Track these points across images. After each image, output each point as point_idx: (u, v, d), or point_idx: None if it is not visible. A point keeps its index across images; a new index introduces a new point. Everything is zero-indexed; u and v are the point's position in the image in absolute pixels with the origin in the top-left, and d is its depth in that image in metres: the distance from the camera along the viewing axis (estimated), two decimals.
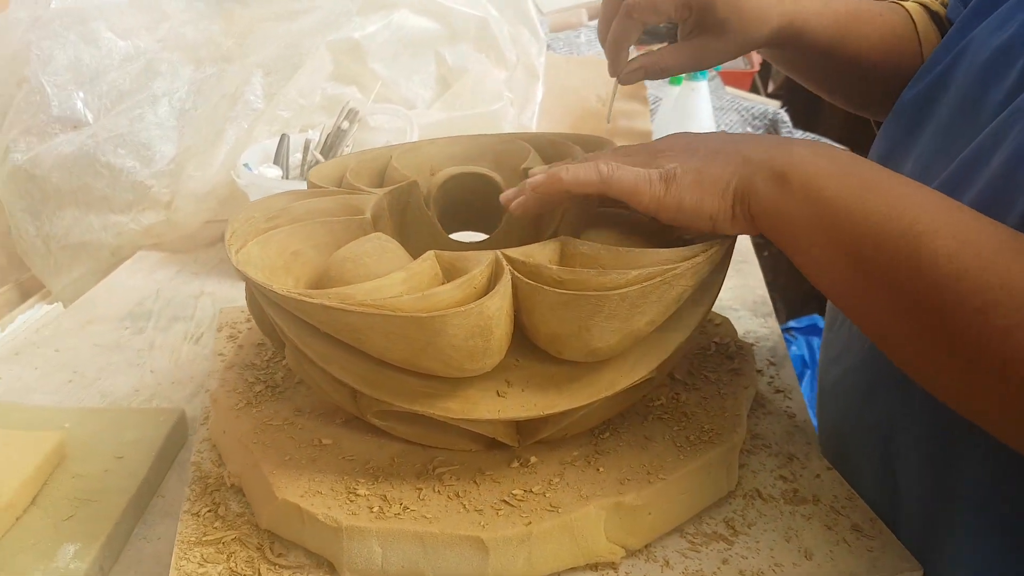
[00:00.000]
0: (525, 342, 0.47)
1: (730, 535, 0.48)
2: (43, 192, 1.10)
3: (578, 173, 0.46)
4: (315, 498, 0.46)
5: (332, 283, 0.47)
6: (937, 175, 0.49)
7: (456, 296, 0.42)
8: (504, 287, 0.42)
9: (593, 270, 0.43)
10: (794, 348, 1.55)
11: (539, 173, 0.48)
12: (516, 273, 0.43)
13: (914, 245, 0.36)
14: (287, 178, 0.99)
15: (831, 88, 0.70)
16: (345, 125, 0.97)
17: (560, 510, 0.45)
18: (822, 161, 0.41)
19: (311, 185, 0.61)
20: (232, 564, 0.46)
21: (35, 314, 0.91)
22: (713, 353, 0.62)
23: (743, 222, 0.43)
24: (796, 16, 0.60)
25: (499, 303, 0.42)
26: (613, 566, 0.46)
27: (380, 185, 0.64)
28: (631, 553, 0.46)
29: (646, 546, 0.47)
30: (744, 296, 0.92)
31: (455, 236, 0.68)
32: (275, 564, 0.46)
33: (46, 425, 0.67)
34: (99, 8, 1.13)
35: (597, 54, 1.57)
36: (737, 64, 1.90)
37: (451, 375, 0.44)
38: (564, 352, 0.45)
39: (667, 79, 1.53)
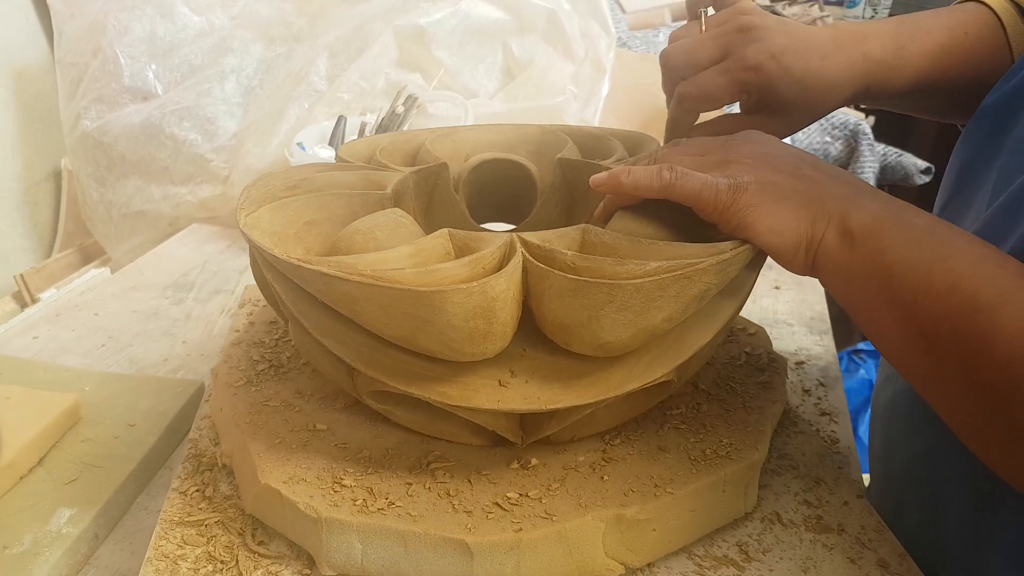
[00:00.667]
0: (535, 332, 0.43)
1: (742, 560, 0.44)
2: (109, 159, 1.12)
3: (639, 178, 0.44)
4: (298, 485, 0.44)
5: (340, 254, 0.44)
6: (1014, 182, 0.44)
7: (462, 274, 0.39)
8: (513, 268, 0.39)
9: (610, 259, 0.40)
10: (862, 372, 1.46)
11: (603, 172, 0.47)
12: (528, 256, 0.40)
13: (973, 323, 0.34)
14: None
15: (926, 114, 0.64)
16: (400, 109, 0.95)
17: (555, 518, 0.42)
18: (892, 224, 0.39)
19: (339, 159, 0.59)
20: (211, 548, 0.44)
21: (85, 278, 0.93)
22: (743, 364, 0.58)
23: (803, 265, 0.41)
24: (871, 81, 0.55)
25: (505, 284, 0.39)
26: None
27: (412, 165, 0.62)
28: (631, 572, 0.43)
29: (648, 565, 0.43)
30: (801, 311, 0.86)
31: (487, 226, 0.65)
32: (254, 552, 0.44)
33: (66, 386, 0.67)
34: None
35: None
36: None
37: (450, 358, 0.41)
38: (572, 344, 0.41)
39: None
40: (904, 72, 0.55)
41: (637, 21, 1.58)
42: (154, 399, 0.66)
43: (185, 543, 0.44)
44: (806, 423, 0.57)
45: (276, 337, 0.58)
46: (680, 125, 0.58)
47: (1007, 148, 0.51)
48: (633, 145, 0.62)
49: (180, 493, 0.48)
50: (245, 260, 0.98)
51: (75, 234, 1.31)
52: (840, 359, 0.87)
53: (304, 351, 0.48)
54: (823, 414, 0.65)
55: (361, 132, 1.01)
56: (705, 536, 0.45)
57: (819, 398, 0.68)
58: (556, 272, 0.39)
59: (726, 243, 0.41)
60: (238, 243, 1.04)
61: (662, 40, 1.53)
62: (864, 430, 1.40)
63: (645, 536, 0.43)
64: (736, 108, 0.59)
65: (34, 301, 1.06)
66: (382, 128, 0.96)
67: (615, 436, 0.48)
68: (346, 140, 1.01)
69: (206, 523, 0.45)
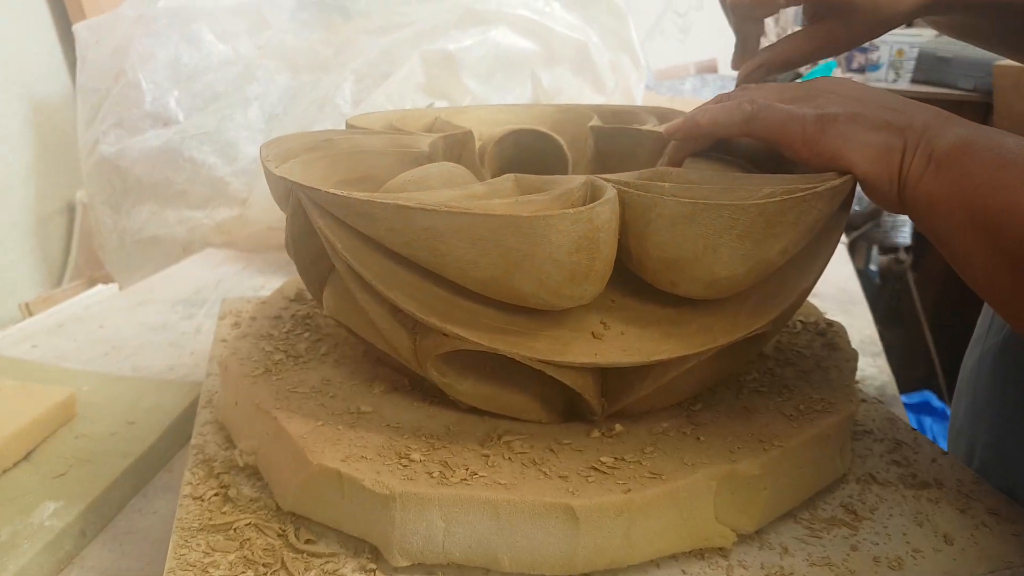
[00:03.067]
0: (621, 279, 0.38)
1: (852, 520, 0.40)
2: (125, 184, 1.09)
3: (718, 114, 0.40)
4: (360, 463, 0.37)
5: None
6: None
7: (554, 208, 0.34)
8: (612, 196, 0.34)
9: (716, 187, 0.35)
10: None
11: (676, 119, 0.44)
12: (623, 187, 0.35)
13: None
14: None
15: (999, 41, 0.59)
16: None
17: (663, 477, 0.36)
18: (979, 147, 0.36)
19: (351, 127, 0.54)
20: (247, 553, 0.37)
21: (90, 293, 0.88)
22: (800, 331, 0.53)
23: (895, 199, 0.38)
24: None
25: (609, 213, 0.34)
26: (723, 552, 0.37)
27: None
28: (742, 538, 0.37)
29: (758, 532, 0.38)
30: (851, 335, 0.80)
31: None
32: (302, 552, 0.37)
33: (64, 384, 0.61)
34: (203, 11, 1.13)
35: (701, 99, 1.50)
36: None
37: (545, 302, 0.35)
38: (680, 282, 0.36)
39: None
40: None
41: (663, 72, 1.57)
42: (156, 399, 0.60)
43: (213, 550, 0.37)
44: (866, 395, 0.53)
45: (285, 331, 0.52)
46: (746, 41, 0.53)
47: None
48: (662, 117, 0.58)
49: (195, 499, 0.41)
50: (261, 280, 0.93)
51: (85, 267, 1.27)
52: None
53: (349, 319, 0.42)
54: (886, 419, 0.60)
55: None
56: (807, 500, 0.41)
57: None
58: (667, 197, 0.34)
59: (827, 173, 0.38)
60: (254, 265, 0.99)
61: (688, 87, 1.51)
62: None
63: (757, 496, 0.37)
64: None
65: None
66: None
67: (695, 403, 0.43)
68: None
69: (235, 526, 0.38)
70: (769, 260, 0.35)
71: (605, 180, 0.37)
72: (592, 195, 0.36)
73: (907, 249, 1.45)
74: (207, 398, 0.51)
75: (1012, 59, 0.61)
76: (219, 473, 0.43)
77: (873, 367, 0.75)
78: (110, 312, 0.83)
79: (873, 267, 1.42)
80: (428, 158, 0.47)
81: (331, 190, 0.35)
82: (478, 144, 0.55)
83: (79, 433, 0.55)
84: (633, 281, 0.38)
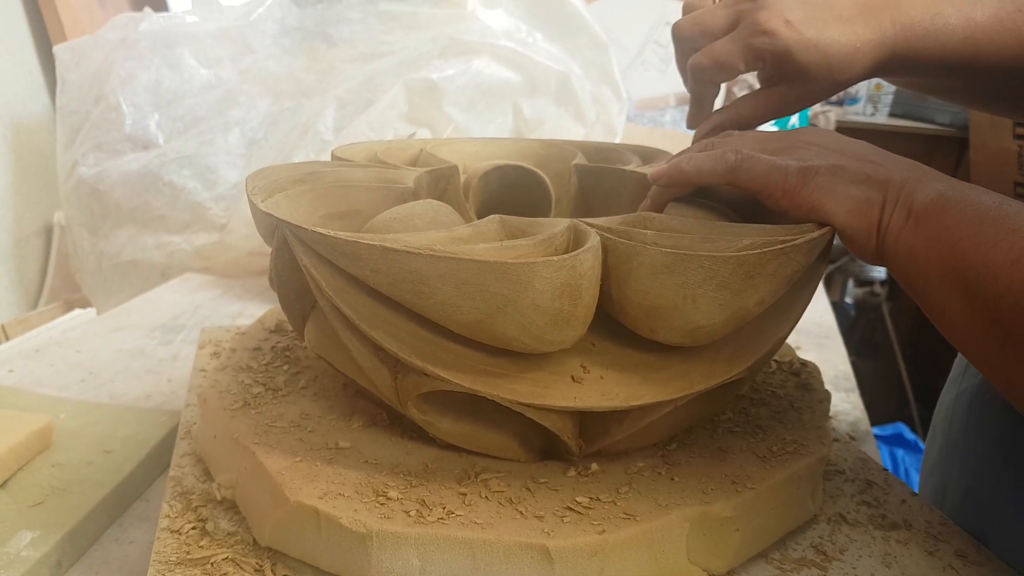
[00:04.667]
0: (602, 322, 0.39)
1: (822, 561, 0.40)
2: (104, 208, 1.09)
3: (702, 164, 0.41)
4: (337, 500, 0.37)
5: None
6: None
7: (537, 253, 0.35)
8: (594, 243, 0.35)
9: (696, 236, 0.36)
10: None
11: (660, 165, 0.45)
12: (605, 234, 0.36)
13: None
14: None
15: (964, 99, 0.61)
16: None
17: (637, 518, 0.36)
18: (957, 202, 0.37)
19: (336, 159, 0.55)
20: None
21: (67, 318, 0.87)
22: (775, 371, 0.55)
23: (873, 251, 0.39)
24: (901, 48, 0.51)
25: (591, 261, 0.35)
26: None
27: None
28: None
29: (729, 572, 0.39)
30: (825, 370, 0.82)
31: None
32: None
33: (40, 410, 0.61)
34: (186, 35, 1.14)
35: (683, 132, 1.52)
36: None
37: (527, 346, 0.36)
38: (659, 330, 0.37)
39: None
40: (941, 40, 0.50)
41: (643, 103, 1.60)
42: (133, 428, 0.60)
43: None
44: (839, 432, 0.54)
45: (264, 363, 0.52)
46: (703, 101, 0.54)
47: None
48: (645, 157, 0.59)
49: (172, 532, 0.40)
50: (239, 307, 0.93)
51: (62, 290, 1.26)
52: None
53: (330, 355, 0.42)
54: (852, 439, 0.61)
55: None
56: (778, 540, 0.41)
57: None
58: (648, 247, 0.35)
59: (806, 225, 0.39)
60: (232, 291, 0.99)
61: (668, 119, 1.54)
62: None
63: (729, 537, 0.38)
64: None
65: None
66: None
67: (670, 443, 0.43)
68: None
69: (212, 560, 0.38)
70: (747, 310, 0.36)
71: (589, 225, 0.38)
72: (576, 240, 0.37)
73: (882, 283, 1.47)
74: (185, 428, 0.51)
75: (977, 110, 0.63)
76: (197, 506, 0.43)
77: (846, 403, 0.76)
78: (87, 337, 0.82)
79: (848, 299, 1.44)
80: (413, 194, 0.48)
81: (318, 229, 0.35)
82: (463, 178, 0.55)
83: (55, 462, 0.55)
84: (613, 324, 0.39)
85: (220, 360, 0.52)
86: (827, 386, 0.79)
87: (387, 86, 1.07)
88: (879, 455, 0.69)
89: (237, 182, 1.06)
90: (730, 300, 0.35)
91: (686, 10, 0.54)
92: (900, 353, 1.70)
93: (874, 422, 1.66)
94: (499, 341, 0.36)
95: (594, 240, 0.35)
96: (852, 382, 0.81)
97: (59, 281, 1.28)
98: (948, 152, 2.17)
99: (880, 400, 1.91)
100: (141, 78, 1.11)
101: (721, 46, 0.50)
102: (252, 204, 0.40)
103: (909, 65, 0.53)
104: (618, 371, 0.38)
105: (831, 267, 1.34)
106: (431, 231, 0.38)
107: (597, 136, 1.15)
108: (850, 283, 1.40)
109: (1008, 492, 0.45)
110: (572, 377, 0.37)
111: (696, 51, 0.51)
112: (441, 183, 0.53)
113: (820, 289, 1.12)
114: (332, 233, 0.35)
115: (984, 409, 0.49)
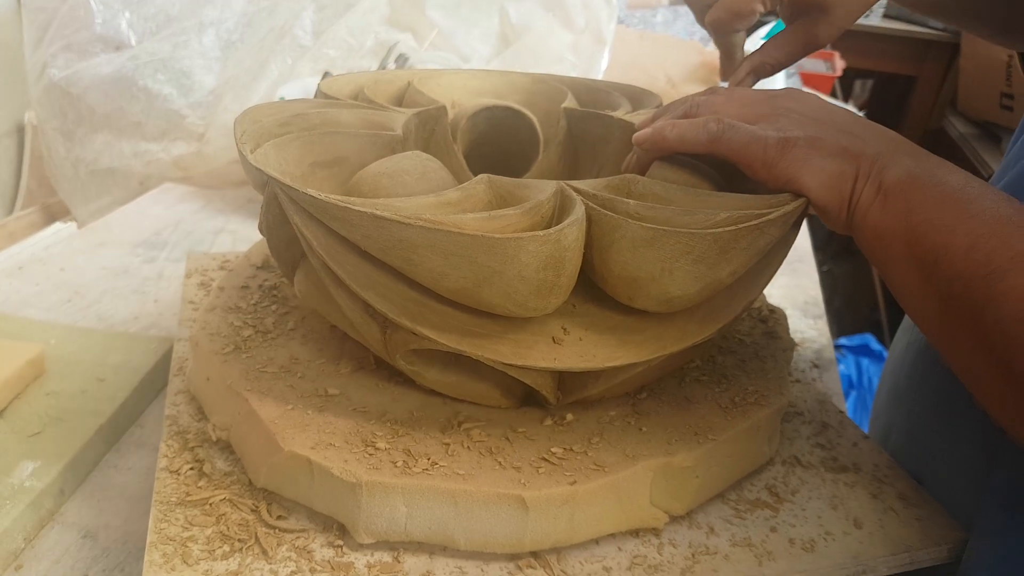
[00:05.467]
0: (583, 284, 0.40)
1: (774, 502, 0.44)
2: (77, 112, 1.06)
3: (685, 132, 0.42)
4: (328, 451, 0.39)
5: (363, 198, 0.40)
6: None
7: (524, 222, 0.36)
8: (579, 215, 0.36)
9: (677, 208, 0.37)
10: (842, 367, 1.45)
11: (645, 127, 0.45)
12: (591, 204, 0.37)
13: (984, 285, 0.34)
14: None
15: (971, 24, 0.61)
16: (392, 66, 0.90)
17: (607, 469, 0.39)
18: (924, 182, 0.38)
19: (321, 94, 0.54)
20: (222, 528, 0.39)
21: (48, 232, 0.87)
22: (744, 317, 0.56)
23: (844, 223, 0.40)
24: None
25: (576, 234, 0.36)
26: (656, 532, 0.41)
27: (399, 106, 0.58)
28: (674, 519, 0.41)
29: (689, 512, 0.42)
30: (795, 296, 0.85)
31: None
32: (274, 528, 0.39)
33: (30, 337, 0.62)
34: None
35: (672, 34, 1.49)
36: (818, 67, 1.79)
37: (511, 312, 0.37)
38: (637, 298, 0.38)
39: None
40: None
41: (635, 3, 1.55)
42: (124, 355, 0.61)
43: (191, 524, 0.39)
44: (801, 372, 0.58)
45: (253, 303, 0.53)
46: (731, 52, 0.56)
47: None
48: (633, 98, 0.59)
49: (171, 472, 0.43)
50: (221, 221, 0.93)
51: (38, 193, 1.24)
52: None
53: (320, 306, 0.44)
54: (814, 366, 0.67)
55: None
56: (735, 483, 0.45)
57: (813, 379, 0.67)
58: (631, 221, 0.36)
59: (783, 195, 0.39)
60: (213, 204, 0.98)
61: (659, 20, 1.50)
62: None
63: (689, 483, 0.41)
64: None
65: None
66: None
67: (640, 391, 0.46)
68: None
69: (211, 501, 0.41)
70: (720, 280, 0.38)
71: (575, 190, 0.38)
72: (561, 207, 0.38)
73: None
74: (178, 365, 0.53)
75: (973, 33, 0.63)
76: (193, 447, 0.45)
77: (813, 329, 0.79)
78: (70, 253, 0.82)
79: None
80: (401, 141, 0.48)
81: (309, 191, 0.36)
82: (451, 115, 0.55)
83: (49, 390, 0.57)
84: (594, 287, 0.40)
85: (209, 299, 0.53)
86: (795, 312, 0.82)
87: None
88: (839, 384, 0.72)
89: (213, 87, 1.04)
90: (705, 273, 0.37)
91: None
92: None
93: (847, 325, 1.71)
94: (484, 306, 0.37)
95: (579, 211, 0.36)
96: (821, 308, 0.83)
97: (34, 183, 1.26)
98: (939, 57, 2.14)
99: (853, 304, 1.96)
100: None
101: None
102: (242, 156, 0.40)
103: None
104: (597, 333, 0.39)
105: None
106: (420, 195, 0.38)
107: (586, 44, 1.13)
108: None
109: (943, 444, 0.48)
110: (553, 338, 0.39)
111: (710, 7, 0.51)
112: (429, 124, 0.53)
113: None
114: (324, 196, 0.35)
115: (929, 365, 0.52)
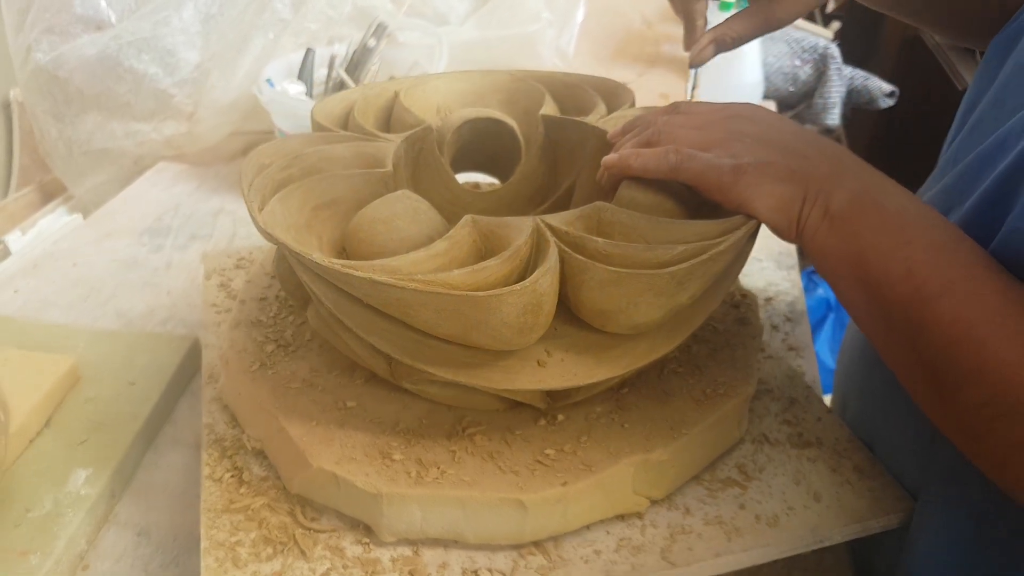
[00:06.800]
0: (563, 309, 0.45)
1: (743, 480, 0.49)
2: (66, 94, 1.08)
3: (648, 161, 0.46)
4: (351, 465, 0.45)
5: (363, 245, 0.45)
6: (980, 139, 0.47)
7: (504, 270, 0.40)
8: (553, 263, 0.41)
9: (640, 245, 0.41)
10: (820, 291, 1.51)
11: (615, 138, 0.51)
12: (563, 246, 0.42)
13: (920, 311, 0.37)
14: (310, 95, 0.95)
15: (931, 17, 0.64)
16: (372, 43, 0.93)
17: (593, 468, 0.45)
18: (866, 206, 0.41)
19: (316, 125, 0.58)
20: (265, 531, 0.45)
21: (55, 222, 0.91)
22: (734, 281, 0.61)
23: (792, 240, 0.44)
24: None
25: (550, 280, 0.40)
26: (639, 515, 0.47)
27: (387, 123, 0.62)
28: (655, 502, 0.47)
29: (668, 495, 0.48)
30: (770, 246, 0.89)
31: (466, 176, 0.66)
32: (309, 529, 0.46)
33: (60, 345, 0.67)
34: None
35: None
36: None
37: (498, 348, 0.43)
38: (607, 325, 0.44)
39: (716, 3, 1.45)
40: None
41: None
42: (150, 356, 0.67)
43: (237, 529, 0.45)
44: (773, 348, 0.63)
45: (272, 315, 0.58)
46: (692, 22, 0.61)
47: (987, 98, 0.52)
48: (607, 94, 0.62)
49: (215, 481, 0.48)
50: (217, 202, 0.97)
51: (32, 169, 1.27)
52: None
53: (331, 337, 0.49)
54: (790, 349, 0.70)
55: (331, 65, 0.98)
56: (709, 463, 0.50)
57: (786, 333, 0.72)
58: (597, 264, 0.40)
59: (735, 218, 0.44)
60: (207, 183, 1.02)
61: None
62: (821, 345, 1.47)
63: (666, 472, 0.47)
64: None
65: None
66: (353, 63, 0.94)
67: (623, 386, 0.51)
68: (315, 73, 0.99)
69: (252, 508, 0.47)
70: (681, 304, 0.43)
71: (550, 229, 0.43)
72: (538, 247, 0.42)
73: (833, 129, 1.52)
74: (208, 372, 0.58)
75: (935, 33, 0.66)
76: (231, 454, 0.51)
77: (787, 281, 0.83)
78: (80, 247, 0.87)
79: None
80: (392, 176, 0.52)
81: (314, 258, 0.40)
82: (437, 129, 0.59)
83: (87, 396, 0.62)
84: (572, 311, 0.45)
85: (232, 314, 0.58)
86: (770, 263, 0.87)
87: None
88: (810, 336, 0.77)
89: (198, 63, 1.05)
90: (666, 302, 0.42)
91: None
92: None
93: None
94: (474, 345, 0.42)
95: (552, 258, 0.41)
96: (794, 259, 0.88)
97: (27, 160, 1.28)
98: None
99: None
100: None
101: None
102: (252, 217, 0.44)
103: None
104: (576, 353, 0.44)
105: (790, 113, 1.38)
106: (413, 238, 0.43)
107: (559, 3, 1.14)
108: (807, 126, 1.45)
109: (891, 420, 0.53)
110: (538, 362, 0.44)
111: None
112: (416, 144, 0.57)
113: None
114: (327, 262, 0.40)
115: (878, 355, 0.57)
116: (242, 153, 1.10)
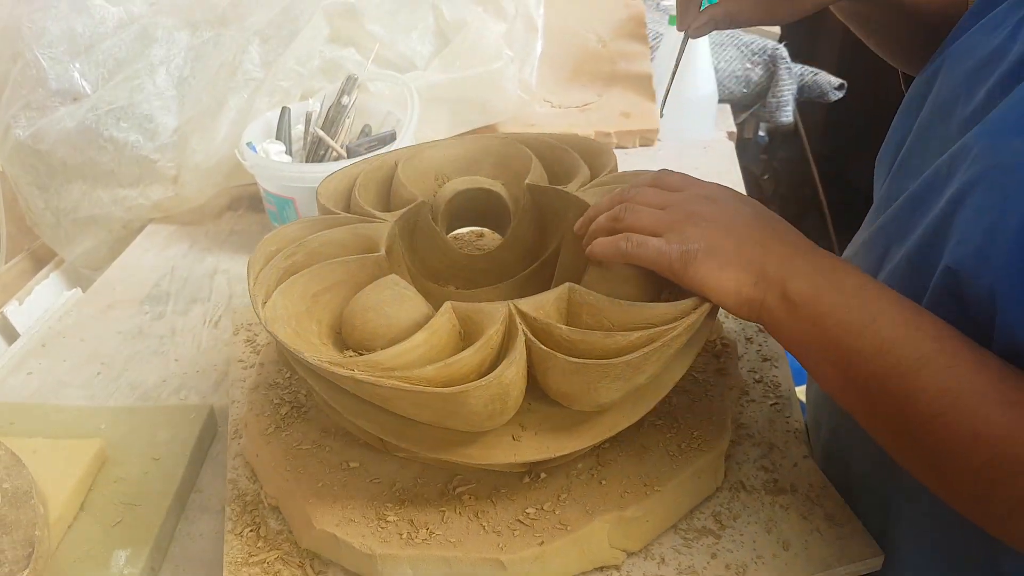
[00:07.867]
0: (535, 386, 0.49)
1: (718, 529, 0.52)
2: (49, 166, 1.11)
3: (606, 248, 0.50)
4: (349, 527, 0.50)
5: (356, 331, 0.49)
6: (910, 178, 0.51)
7: (475, 360, 0.45)
8: (519, 354, 0.45)
9: (600, 332, 0.46)
10: None
11: (599, 209, 0.55)
12: (529, 336, 0.46)
13: (899, 383, 0.39)
14: (290, 152, 0.99)
15: (886, 42, 0.68)
16: (346, 100, 0.97)
17: (569, 527, 0.50)
18: (827, 288, 0.43)
19: (321, 207, 0.62)
20: None
21: (50, 289, 0.94)
22: (700, 352, 0.64)
23: (753, 320, 0.46)
24: None
25: (515, 371, 0.45)
26: (616, 567, 0.51)
27: (387, 197, 0.66)
28: (631, 554, 0.51)
29: (643, 548, 0.52)
30: None
31: (462, 231, 0.71)
32: None
33: (84, 426, 0.71)
34: None
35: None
36: None
37: (472, 431, 0.48)
38: (574, 406, 0.48)
39: (667, 17, 1.50)
40: None
41: None
42: (170, 430, 0.71)
43: None
44: (757, 392, 0.65)
45: (288, 376, 0.63)
46: (688, 2, 0.64)
47: (912, 134, 0.56)
48: (591, 157, 0.67)
49: (236, 535, 0.53)
50: (211, 263, 1.01)
51: (19, 237, 1.29)
52: None
53: (334, 416, 0.54)
54: (764, 360, 0.73)
55: (307, 121, 1.02)
56: (685, 514, 0.53)
57: (760, 344, 0.75)
58: (559, 356, 0.45)
59: (689, 301, 0.47)
60: (199, 243, 1.06)
61: None
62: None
63: (640, 527, 0.51)
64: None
65: None
66: (329, 121, 0.98)
67: (603, 442, 0.54)
68: (292, 130, 1.03)
69: (267, 561, 0.52)
70: (640, 384, 0.47)
71: (520, 315, 0.47)
72: (508, 334, 0.47)
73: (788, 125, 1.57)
74: (234, 428, 0.63)
75: (885, 56, 0.71)
76: (251, 509, 0.56)
77: None
78: (84, 321, 0.90)
79: (762, 133, 1.55)
80: (386, 259, 0.56)
81: (307, 360, 0.45)
82: (432, 203, 0.64)
83: (116, 477, 0.66)
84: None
85: (252, 377, 0.63)
86: None
87: (306, 14, 1.08)
88: (783, 347, 0.82)
89: (176, 127, 1.09)
90: (624, 385, 0.46)
91: None
92: (816, 169, 1.85)
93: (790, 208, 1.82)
94: (451, 427, 0.47)
95: (518, 350, 0.45)
96: None
97: (12, 228, 1.30)
98: None
99: (795, 202, 2.07)
100: (53, 29, 1.09)
101: None
102: (255, 310, 0.49)
103: None
104: (548, 427, 0.49)
105: (744, 115, 1.44)
106: (399, 332, 0.48)
107: (519, 29, 1.18)
108: (762, 124, 1.50)
109: (868, 440, 0.55)
110: (512, 436, 0.49)
111: None
112: (411, 219, 0.62)
113: (733, 159, 1.22)
114: (316, 361, 0.45)
115: None
116: (229, 208, 1.14)
